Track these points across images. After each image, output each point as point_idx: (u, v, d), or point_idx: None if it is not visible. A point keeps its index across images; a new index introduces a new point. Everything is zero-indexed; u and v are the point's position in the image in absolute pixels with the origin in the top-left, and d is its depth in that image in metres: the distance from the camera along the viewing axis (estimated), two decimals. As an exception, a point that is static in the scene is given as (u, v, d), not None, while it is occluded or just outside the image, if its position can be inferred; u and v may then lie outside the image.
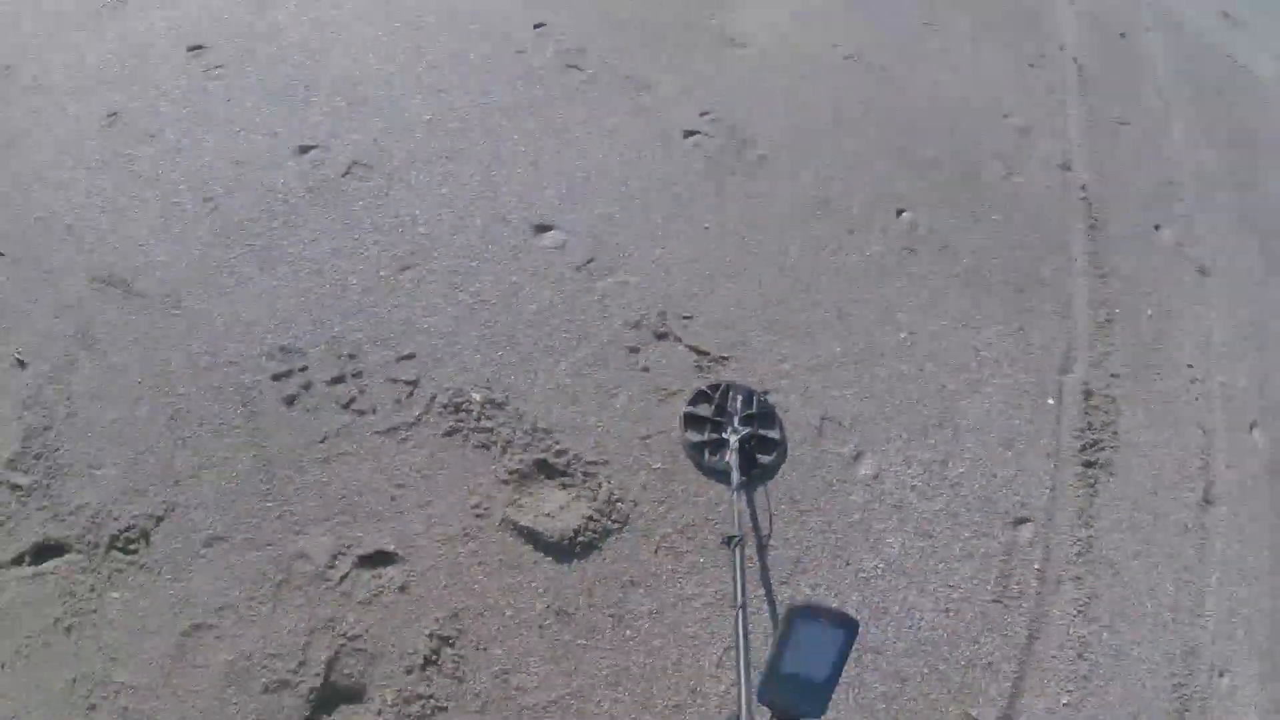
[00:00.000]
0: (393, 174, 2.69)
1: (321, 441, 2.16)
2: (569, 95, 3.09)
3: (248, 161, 2.67)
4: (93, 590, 2.04)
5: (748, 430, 2.16)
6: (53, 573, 2.07)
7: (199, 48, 3.01)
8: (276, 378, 2.25)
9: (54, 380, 2.30)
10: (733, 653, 1.88)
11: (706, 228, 2.76)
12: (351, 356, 2.29)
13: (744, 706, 1.17)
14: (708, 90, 3.25)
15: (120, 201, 2.58)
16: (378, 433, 2.18)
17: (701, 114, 3.15)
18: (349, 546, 2.03)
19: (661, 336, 2.44)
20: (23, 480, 2.19)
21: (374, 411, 2.21)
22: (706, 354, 2.43)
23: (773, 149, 3.10)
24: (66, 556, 2.09)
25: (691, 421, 2.23)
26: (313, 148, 2.72)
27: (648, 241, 2.68)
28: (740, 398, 2.30)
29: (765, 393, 2.37)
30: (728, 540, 1.76)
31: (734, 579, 1.55)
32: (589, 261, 2.57)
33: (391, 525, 2.06)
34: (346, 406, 2.22)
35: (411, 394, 2.25)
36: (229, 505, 2.08)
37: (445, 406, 2.23)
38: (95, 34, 3.05)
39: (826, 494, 2.26)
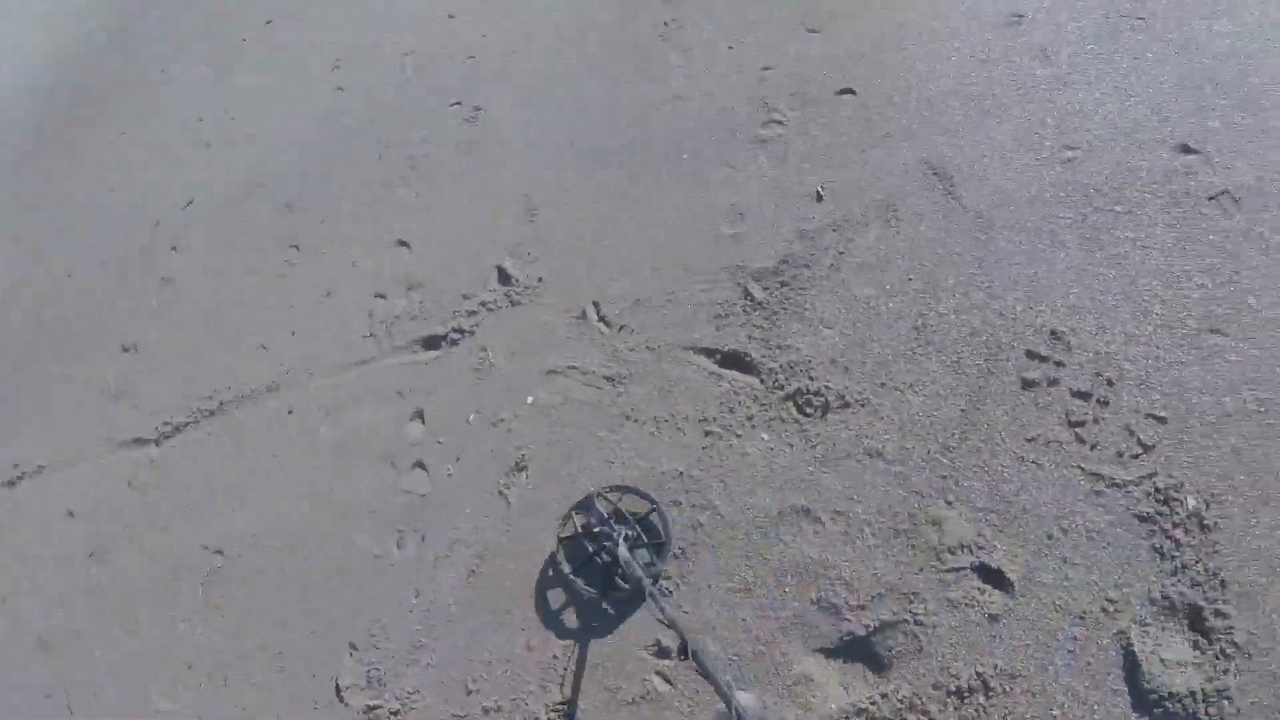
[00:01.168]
0: (1255, 220, 2.25)
1: (1029, 440, 2.13)
2: None
3: (1122, 132, 2.47)
4: (750, 420, 2.30)
5: (627, 530, 2.04)
6: (729, 382, 2.38)
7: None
8: (1031, 355, 2.20)
9: (837, 229, 2.48)
10: None
11: None
12: (1110, 384, 2.14)
13: None
14: None
15: (990, 109, 2.61)
16: (1078, 468, 2.10)
17: None
18: (978, 546, 2.00)
19: None
20: (759, 295, 2.48)
21: (1093, 447, 2.11)
22: None
23: None
24: (749, 378, 2.37)
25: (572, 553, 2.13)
26: (1194, 153, 2.38)
27: None
28: (599, 509, 2.12)
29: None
30: (682, 651, 1.52)
31: (712, 682, 1.41)
32: None
33: (1010, 551, 1.97)
34: (1072, 425, 2.13)
35: (1138, 456, 2.09)
36: (907, 433, 2.16)
37: (1156, 491, 2.06)
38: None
39: None
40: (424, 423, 2.63)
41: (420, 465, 2.54)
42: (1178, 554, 1.93)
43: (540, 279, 2.79)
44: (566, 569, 2.12)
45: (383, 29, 3.98)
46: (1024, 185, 2.43)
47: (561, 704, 2.08)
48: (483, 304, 2.81)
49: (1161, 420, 2.09)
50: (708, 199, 2.74)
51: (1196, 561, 1.90)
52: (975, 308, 2.29)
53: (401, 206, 3.24)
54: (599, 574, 2.08)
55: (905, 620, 1.95)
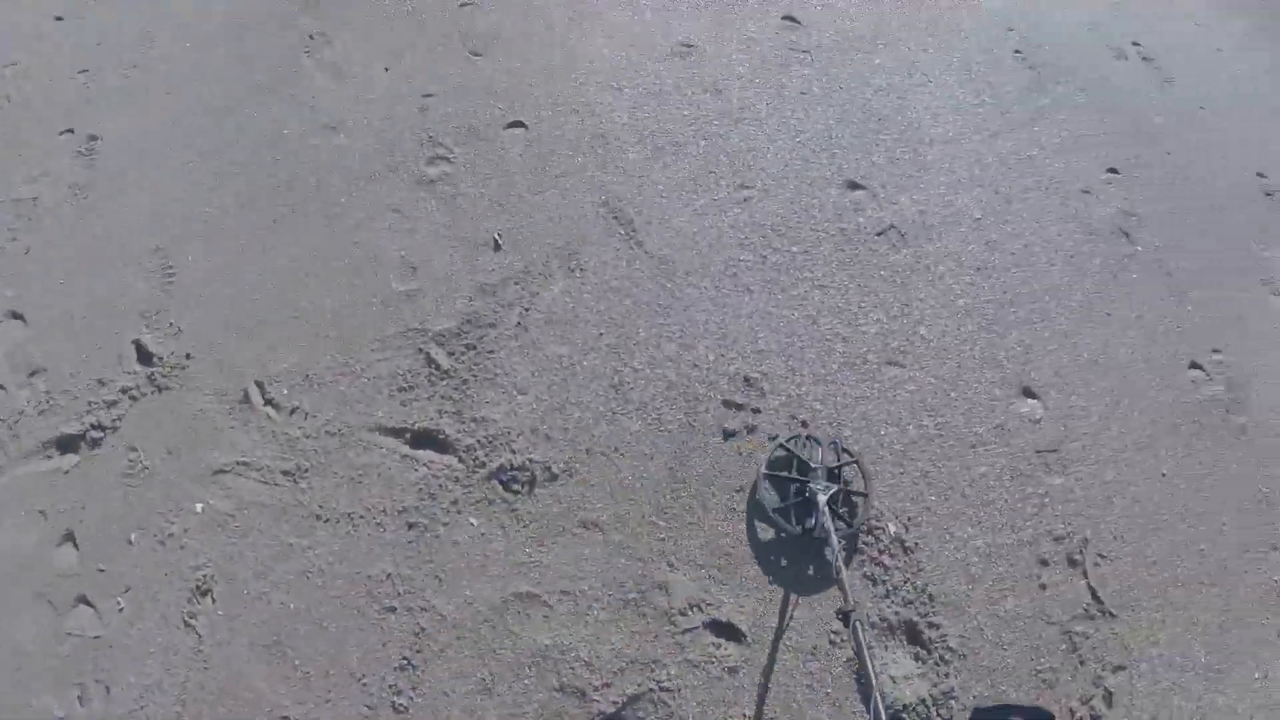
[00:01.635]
0: (921, 253, 2.37)
1: (737, 490, 2.04)
2: None
3: (793, 170, 2.49)
4: (455, 505, 2.02)
5: (833, 486, 1.96)
6: (426, 465, 2.07)
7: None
8: (728, 404, 2.11)
9: (519, 281, 2.22)
10: None
11: None
12: (804, 425, 2.11)
13: None
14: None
15: (665, 146, 2.53)
16: (777, 510, 2.04)
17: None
18: (706, 604, 1.94)
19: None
20: (445, 362, 2.16)
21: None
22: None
23: None
24: (447, 458, 2.08)
25: (774, 483, 2.03)
26: (861, 188, 2.45)
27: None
28: (820, 449, 2.04)
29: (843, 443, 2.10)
30: (843, 616, 1.58)
31: (858, 654, 1.43)
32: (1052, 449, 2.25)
33: (737, 602, 1.91)
34: (773, 474, 2.06)
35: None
36: (620, 499, 2.00)
37: (866, 522, 2.06)
38: None
39: None
40: (77, 547, 2.03)
41: (84, 601, 1.98)
42: (887, 578, 1.96)
43: (188, 355, 2.23)
44: (769, 499, 1.98)
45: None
46: (704, 228, 2.35)
47: None
48: (123, 391, 2.20)
49: (853, 461, 2.08)
50: (374, 249, 2.33)
51: (905, 582, 1.95)
52: (669, 360, 2.14)
53: (10, 268, 2.41)
54: (793, 511, 1.96)
55: (651, 689, 1.81)
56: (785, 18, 2.82)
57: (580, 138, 2.51)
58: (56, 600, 2.00)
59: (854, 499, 2.03)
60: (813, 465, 2.00)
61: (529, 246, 2.32)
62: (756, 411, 2.11)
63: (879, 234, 2.39)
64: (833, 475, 2.01)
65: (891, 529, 2.01)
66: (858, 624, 1.51)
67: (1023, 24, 2.95)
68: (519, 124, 2.55)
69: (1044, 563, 1.99)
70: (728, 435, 2.09)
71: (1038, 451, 2.13)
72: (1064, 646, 1.90)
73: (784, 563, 1.96)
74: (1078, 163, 2.62)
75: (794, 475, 2.00)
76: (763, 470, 2.00)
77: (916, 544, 1.99)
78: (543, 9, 2.83)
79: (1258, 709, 1.90)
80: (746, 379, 2.15)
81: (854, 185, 2.46)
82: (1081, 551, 2.01)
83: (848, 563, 1.99)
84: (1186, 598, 2.00)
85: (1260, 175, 2.76)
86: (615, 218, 2.37)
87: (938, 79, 2.74)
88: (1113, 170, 2.64)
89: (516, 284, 2.26)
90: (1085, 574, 1.99)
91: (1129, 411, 2.21)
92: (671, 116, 2.56)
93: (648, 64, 2.67)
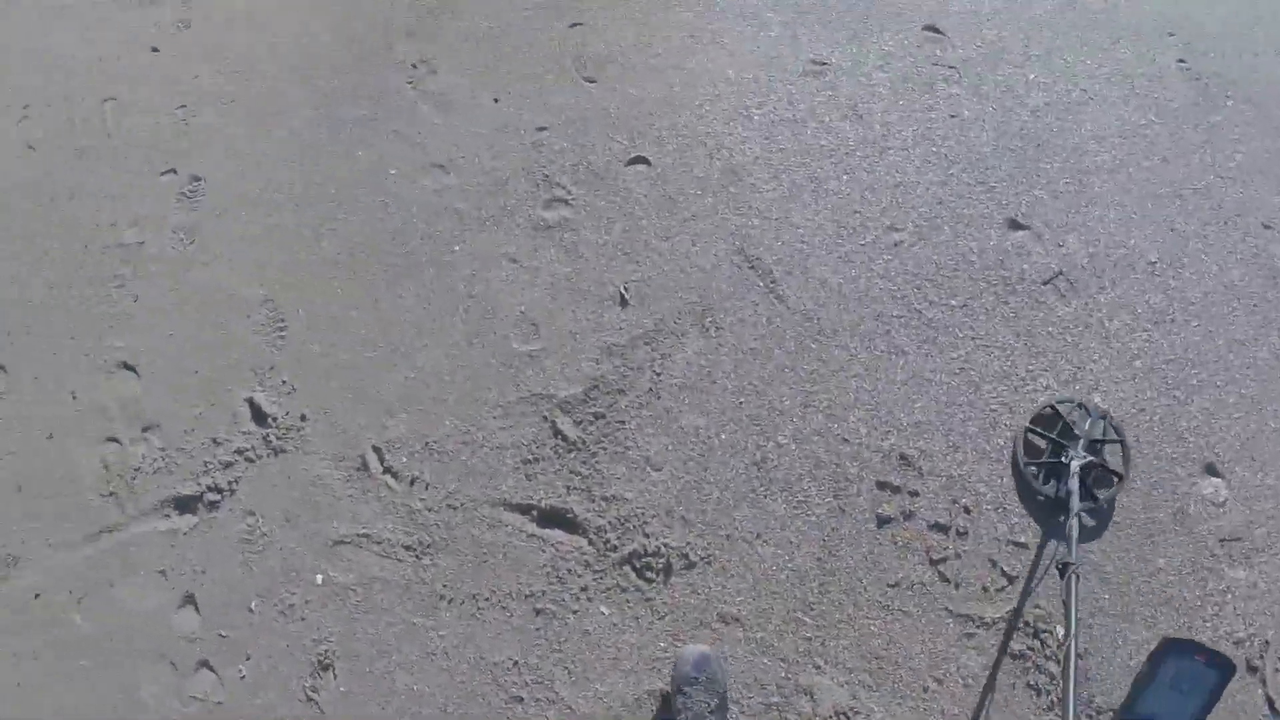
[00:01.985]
0: (1092, 304, 2.11)
1: (892, 585, 1.85)
2: None
3: (947, 207, 2.25)
4: (584, 591, 1.90)
5: (1091, 459, 1.86)
6: (553, 546, 1.95)
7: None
8: (882, 486, 1.91)
9: (649, 341, 2.05)
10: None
11: None
12: (967, 511, 1.90)
13: None
14: None
15: (803, 182, 2.32)
16: (945, 609, 1.85)
17: None
18: (854, 711, 1.78)
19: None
20: (571, 432, 2.02)
21: (957, 586, 1.86)
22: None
23: None
24: (576, 540, 1.95)
25: (1031, 448, 1.95)
26: (1023, 228, 2.22)
27: None
28: (1089, 420, 1.92)
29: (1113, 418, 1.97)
30: (1061, 567, 1.55)
31: (1066, 608, 1.43)
32: None
33: (888, 711, 1.77)
34: (934, 563, 1.87)
35: (1003, 589, 1.87)
36: (762, 592, 1.85)
37: (1025, 625, 1.86)
38: None
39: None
40: (198, 611, 2.00)
41: (207, 665, 1.95)
42: (1053, 687, 1.78)
43: (303, 417, 2.15)
44: (1022, 459, 1.91)
45: (78, 63, 2.93)
46: (851, 278, 2.13)
47: None
48: (239, 452, 2.14)
49: (1022, 546, 1.88)
50: (491, 303, 2.19)
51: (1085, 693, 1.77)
52: (817, 434, 1.96)
53: (119, 316, 2.38)
54: (1047, 473, 1.90)
55: (792, 805, 1.67)
56: (926, 28, 2.54)
57: (709, 174, 2.31)
58: (179, 662, 1.97)
59: (1111, 477, 1.92)
60: (1076, 433, 1.89)
61: (658, 301, 2.14)
62: (914, 495, 1.92)
63: (1045, 282, 2.14)
64: (1094, 449, 1.91)
65: (1060, 632, 1.80)
66: (1073, 577, 1.48)
67: (1185, 27, 2.59)
68: (641, 160, 2.36)
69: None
70: (882, 522, 1.90)
71: (1221, 541, 1.88)
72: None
73: (939, 678, 1.79)
74: (1256, 191, 2.30)
75: (1055, 437, 1.91)
76: (1025, 424, 1.93)
77: (1086, 650, 1.78)
78: (659, 26, 2.61)
79: None
80: (902, 456, 1.94)
81: (1016, 224, 2.21)
82: (1262, 656, 1.78)
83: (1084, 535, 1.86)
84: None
85: None
86: (752, 267, 2.17)
87: (1098, 95, 2.43)
88: (1293, 198, 2.32)
89: (646, 344, 2.09)
90: (1264, 681, 1.77)
91: (1326, 492, 1.95)
92: (808, 147, 2.33)
93: (778, 86, 2.44)
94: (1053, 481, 1.90)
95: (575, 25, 2.64)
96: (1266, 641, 1.81)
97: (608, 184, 2.33)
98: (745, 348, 2.07)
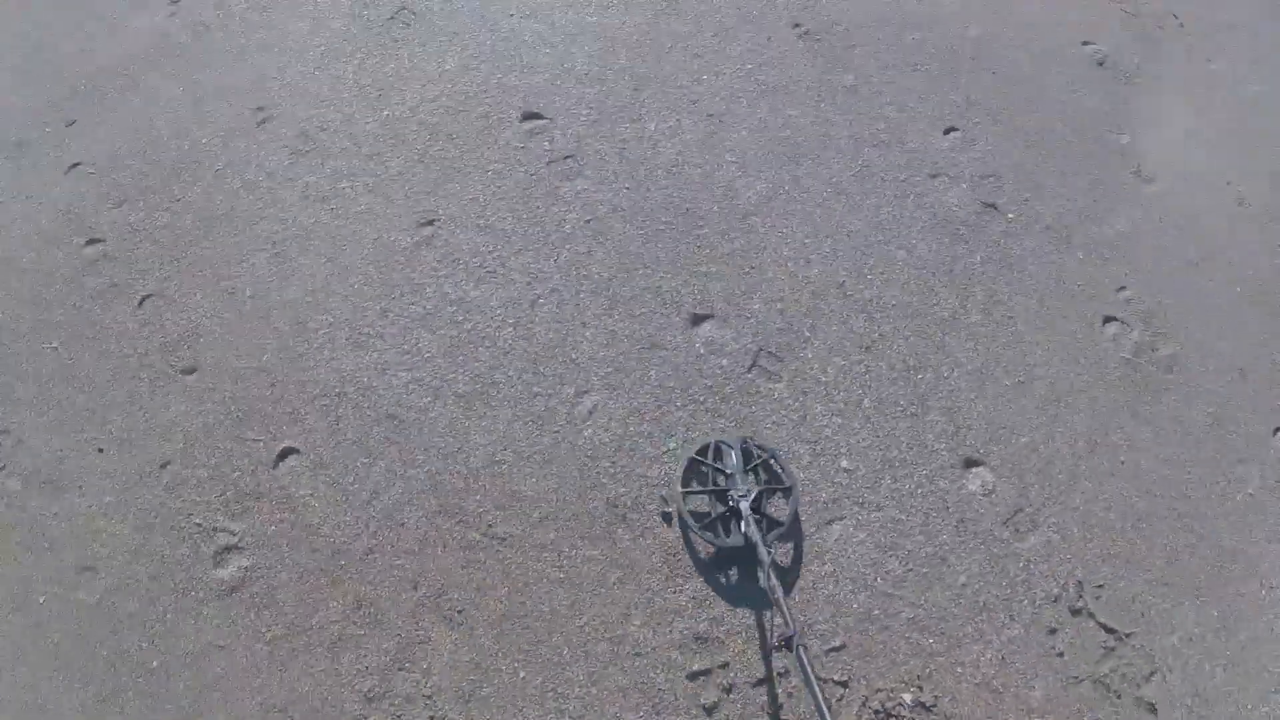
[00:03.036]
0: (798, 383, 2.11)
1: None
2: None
3: None
4: None
5: (755, 488, 1.87)
6: None
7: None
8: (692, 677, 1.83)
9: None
10: None
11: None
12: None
13: None
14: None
15: None
16: (705, 527, 1.87)
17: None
18: None
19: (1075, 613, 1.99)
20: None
21: (807, 720, 1.84)
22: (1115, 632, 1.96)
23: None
24: None
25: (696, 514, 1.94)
26: None
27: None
28: (732, 452, 1.95)
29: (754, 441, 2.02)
30: (784, 642, 1.41)
31: (807, 685, 1.31)
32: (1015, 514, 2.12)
33: None
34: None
35: (841, 697, 1.88)
36: None
37: (877, 712, 1.88)
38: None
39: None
40: None
41: None
42: None
43: None
44: (692, 525, 1.86)
45: None
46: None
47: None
48: None
49: (840, 647, 1.89)
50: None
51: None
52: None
53: None
54: (718, 524, 1.86)
55: None
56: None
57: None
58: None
59: (779, 493, 1.92)
60: (727, 471, 1.86)
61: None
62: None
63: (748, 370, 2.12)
64: (753, 476, 1.91)
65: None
66: (801, 649, 1.34)
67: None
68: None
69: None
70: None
71: (1004, 523, 1.97)
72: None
73: None
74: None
75: (711, 487, 1.89)
76: (680, 489, 1.90)
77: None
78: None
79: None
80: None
81: (698, 318, 2.16)
82: (1081, 596, 1.88)
83: (790, 572, 1.84)
84: None
85: None
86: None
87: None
88: None
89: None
90: (1092, 615, 1.89)
91: None
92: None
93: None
94: (733, 527, 1.86)
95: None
96: (1079, 581, 1.91)
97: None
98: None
